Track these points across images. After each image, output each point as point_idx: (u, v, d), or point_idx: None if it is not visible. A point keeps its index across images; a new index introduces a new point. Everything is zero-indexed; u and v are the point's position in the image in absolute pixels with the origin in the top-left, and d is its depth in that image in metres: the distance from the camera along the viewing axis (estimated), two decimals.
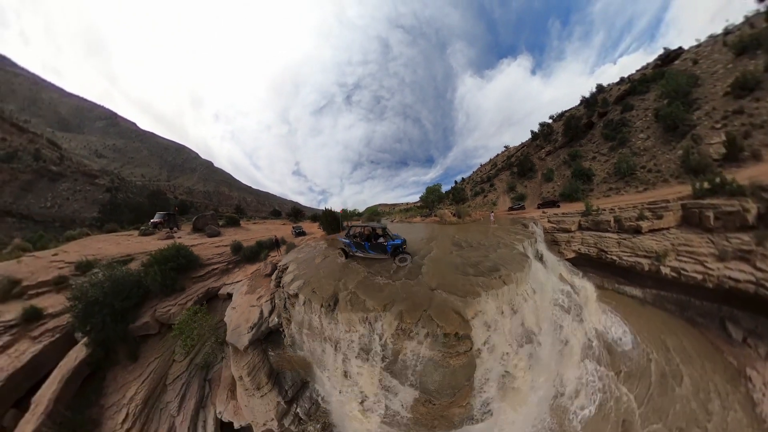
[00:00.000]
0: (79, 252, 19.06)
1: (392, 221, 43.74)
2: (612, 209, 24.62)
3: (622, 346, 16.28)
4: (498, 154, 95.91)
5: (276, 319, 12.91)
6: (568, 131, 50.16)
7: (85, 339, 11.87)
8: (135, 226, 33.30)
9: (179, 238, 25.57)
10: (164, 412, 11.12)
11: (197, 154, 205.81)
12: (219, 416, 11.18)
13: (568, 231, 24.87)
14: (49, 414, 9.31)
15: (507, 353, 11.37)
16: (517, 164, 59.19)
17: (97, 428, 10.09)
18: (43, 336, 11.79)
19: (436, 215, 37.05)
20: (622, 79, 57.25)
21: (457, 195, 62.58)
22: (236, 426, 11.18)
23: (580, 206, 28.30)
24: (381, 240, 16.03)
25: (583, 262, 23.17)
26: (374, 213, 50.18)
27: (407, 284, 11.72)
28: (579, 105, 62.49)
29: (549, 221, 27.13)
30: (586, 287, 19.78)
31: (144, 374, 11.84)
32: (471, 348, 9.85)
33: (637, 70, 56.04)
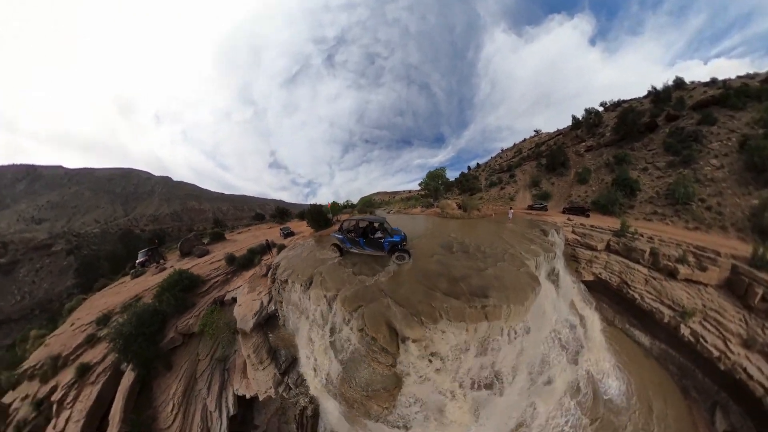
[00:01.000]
0: (90, 313, 21.10)
1: (389, 212, 39.58)
2: (651, 238, 21.47)
3: (609, 395, 15.15)
4: (525, 140, 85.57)
5: (273, 306, 16.30)
6: (622, 127, 42.79)
7: (130, 366, 15.35)
8: (122, 272, 32.46)
9: (171, 267, 25.92)
10: (198, 397, 15.07)
11: (149, 173, 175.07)
12: (236, 392, 14.86)
13: (593, 249, 21.86)
14: (123, 421, 13.46)
15: (450, 391, 10.33)
16: (547, 155, 52.30)
17: (155, 420, 14.13)
18: (99, 378, 15.51)
19: (438, 206, 32.90)
20: (713, 81, 47.82)
21: (467, 184, 56.13)
22: (248, 396, 14.63)
23: (613, 222, 24.91)
24: (378, 235, 14.97)
25: (599, 289, 21.06)
26: (368, 204, 44.87)
27: (364, 279, 12.50)
28: (644, 97, 53.30)
29: (574, 232, 23.86)
30: (595, 322, 17.67)
31: (179, 375, 15.67)
32: (393, 366, 10.03)
33: (739, 77, 46.38)
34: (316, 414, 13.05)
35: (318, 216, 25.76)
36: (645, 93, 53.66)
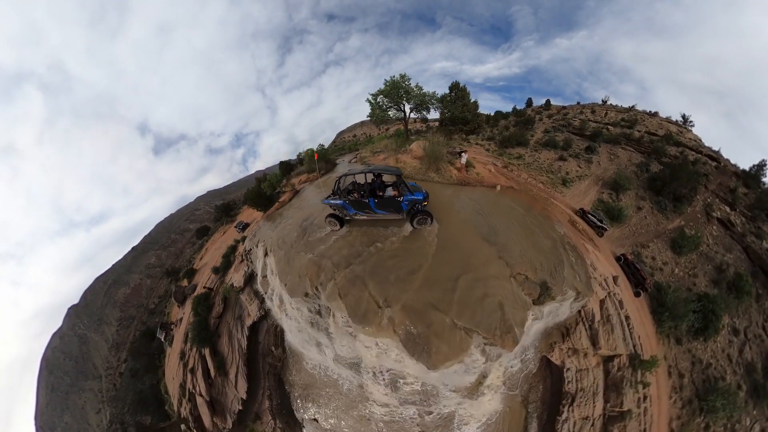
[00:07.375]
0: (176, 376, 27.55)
1: (354, 160, 28.61)
2: (643, 399, 16.17)
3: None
4: (656, 114, 43.25)
5: (250, 268, 24.49)
6: None
7: (206, 349, 24.14)
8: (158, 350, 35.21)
9: (183, 314, 30.49)
10: (234, 338, 23.67)
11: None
12: (247, 326, 23.06)
13: (594, 345, 15.64)
14: (214, 363, 23.46)
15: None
16: (667, 167, 26.89)
17: (224, 356, 23.30)
18: (196, 363, 25.02)
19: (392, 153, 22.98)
20: None
21: (462, 109, 27.59)
22: (251, 324, 22.78)
23: (651, 343, 17.33)
24: (391, 193, 12.16)
25: (553, 374, 16.62)
26: (318, 156, 27.10)
27: (279, 231, 19.61)
28: None
29: (601, 304, 16.47)
30: (495, 401, 14.40)
31: (224, 334, 24.60)
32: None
33: None
34: (281, 330, 21.63)
35: (258, 197, 26.16)
36: None
